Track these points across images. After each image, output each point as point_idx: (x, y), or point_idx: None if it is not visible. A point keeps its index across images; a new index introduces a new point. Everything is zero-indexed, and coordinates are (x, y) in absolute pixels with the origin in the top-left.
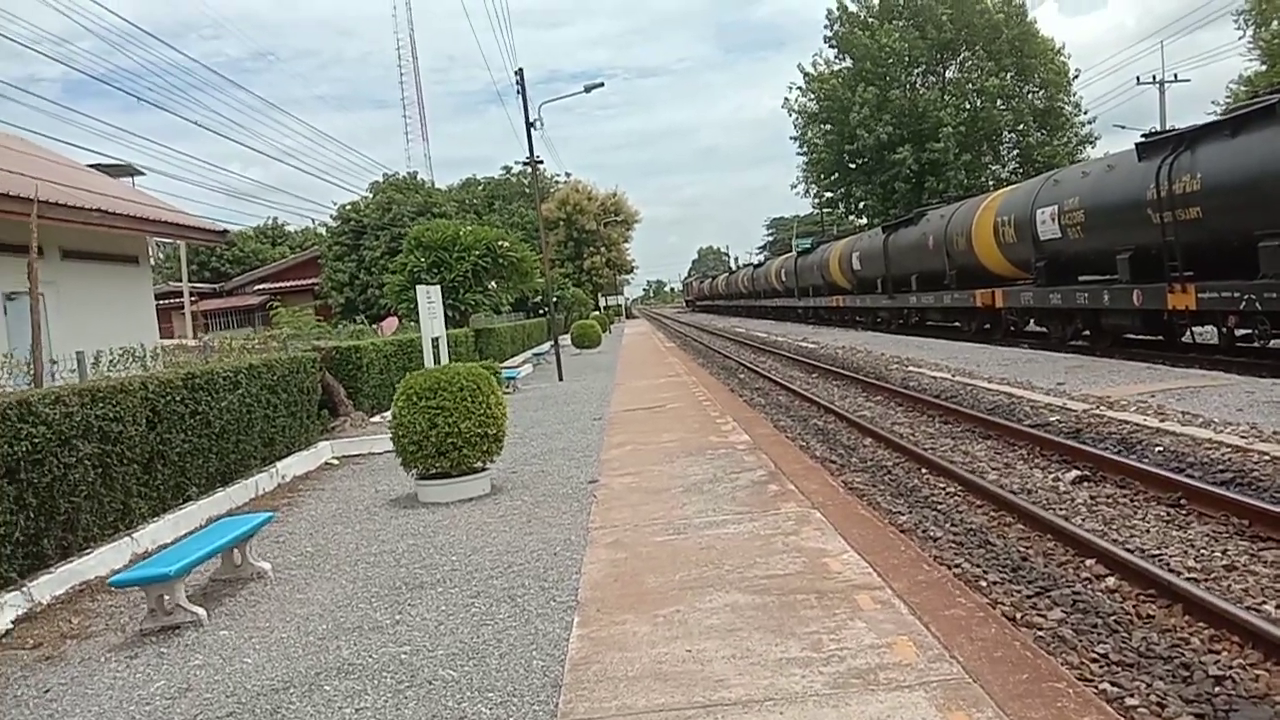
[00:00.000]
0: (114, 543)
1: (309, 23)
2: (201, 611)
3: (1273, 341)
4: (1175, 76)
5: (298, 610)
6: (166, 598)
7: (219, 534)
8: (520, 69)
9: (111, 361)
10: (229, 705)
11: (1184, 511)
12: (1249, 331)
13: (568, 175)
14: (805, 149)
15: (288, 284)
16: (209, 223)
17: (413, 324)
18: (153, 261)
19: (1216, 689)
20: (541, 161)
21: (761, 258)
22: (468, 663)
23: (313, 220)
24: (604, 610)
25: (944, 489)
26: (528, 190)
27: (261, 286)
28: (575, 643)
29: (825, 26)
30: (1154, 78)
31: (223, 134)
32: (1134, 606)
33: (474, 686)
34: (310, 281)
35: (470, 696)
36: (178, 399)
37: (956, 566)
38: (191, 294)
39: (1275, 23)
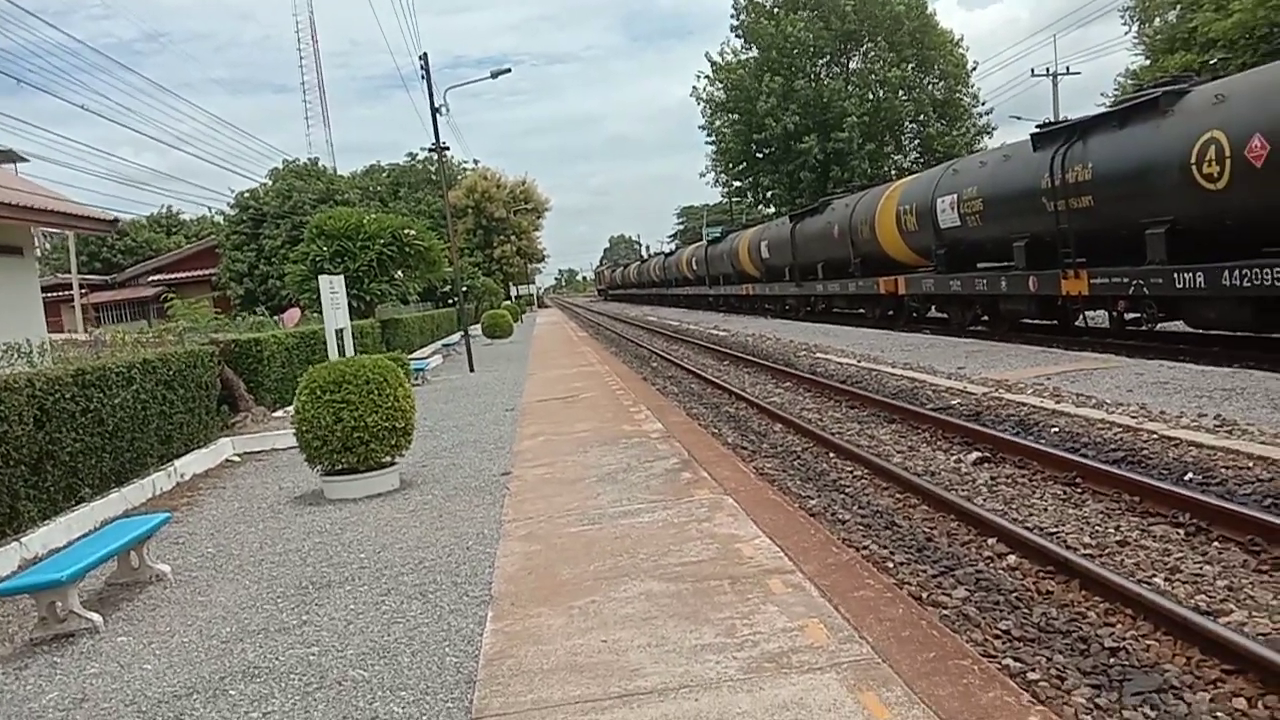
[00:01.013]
0: (1, 548)
1: (204, 4)
2: (97, 617)
3: (1160, 325)
4: (1067, 69)
5: (200, 613)
6: (59, 604)
7: (114, 536)
8: (425, 54)
9: None
10: (128, 715)
11: (1079, 490)
12: (1137, 315)
13: (475, 162)
14: (714, 138)
15: (184, 275)
16: (99, 211)
17: (316, 315)
18: (39, 253)
19: (1112, 660)
20: (448, 148)
21: (672, 246)
22: (378, 662)
23: (209, 209)
24: (518, 604)
25: (851, 472)
26: (434, 177)
27: (156, 278)
28: (489, 638)
29: (732, 16)
30: (1047, 70)
31: (112, 119)
32: (1034, 583)
33: (385, 686)
34: (208, 272)
35: (382, 696)
36: (68, 396)
37: (865, 548)
38: (82, 286)
39: (1158, 19)
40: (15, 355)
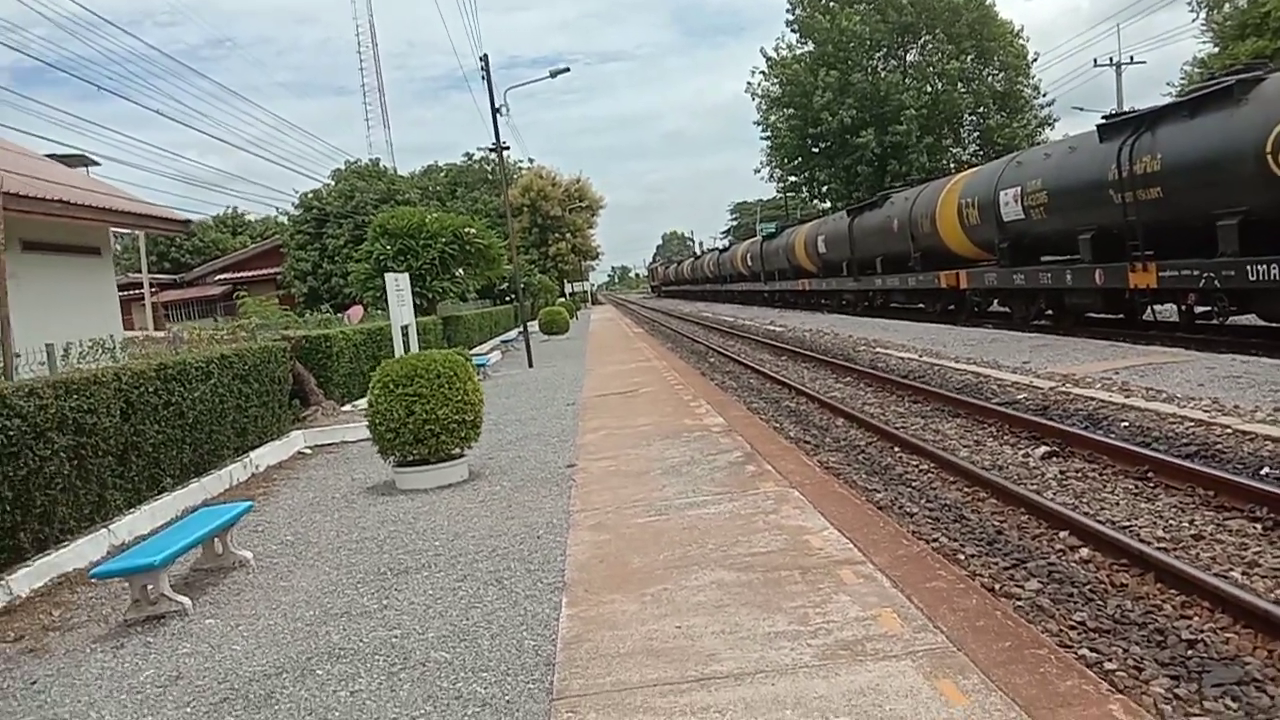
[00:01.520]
0: (91, 535)
1: (267, 9)
2: (187, 601)
3: (1231, 318)
4: (1131, 59)
5: (283, 598)
6: (150, 587)
7: (201, 523)
8: (485, 55)
9: (81, 354)
10: (221, 691)
11: (1151, 484)
12: (1208, 309)
13: (531, 161)
14: (768, 133)
15: (249, 274)
16: (171, 212)
17: (379, 312)
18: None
19: (1190, 652)
20: (508, 147)
21: (726, 242)
22: (459, 644)
23: (276, 209)
24: (591, 590)
25: (917, 466)
26: (490, 177)
27: (223, 276)
28: (565, 622)
29: (787, 10)
30: (1111, 60)
31: (181, 121)
32: (1108, 576)
33: (467, 667)
34: (273, 271)
35: (465, 676)
36: (151, 390)
37: (934, 541)
38: (151, 285)
39: (1227, 5)
40: (100, 351)
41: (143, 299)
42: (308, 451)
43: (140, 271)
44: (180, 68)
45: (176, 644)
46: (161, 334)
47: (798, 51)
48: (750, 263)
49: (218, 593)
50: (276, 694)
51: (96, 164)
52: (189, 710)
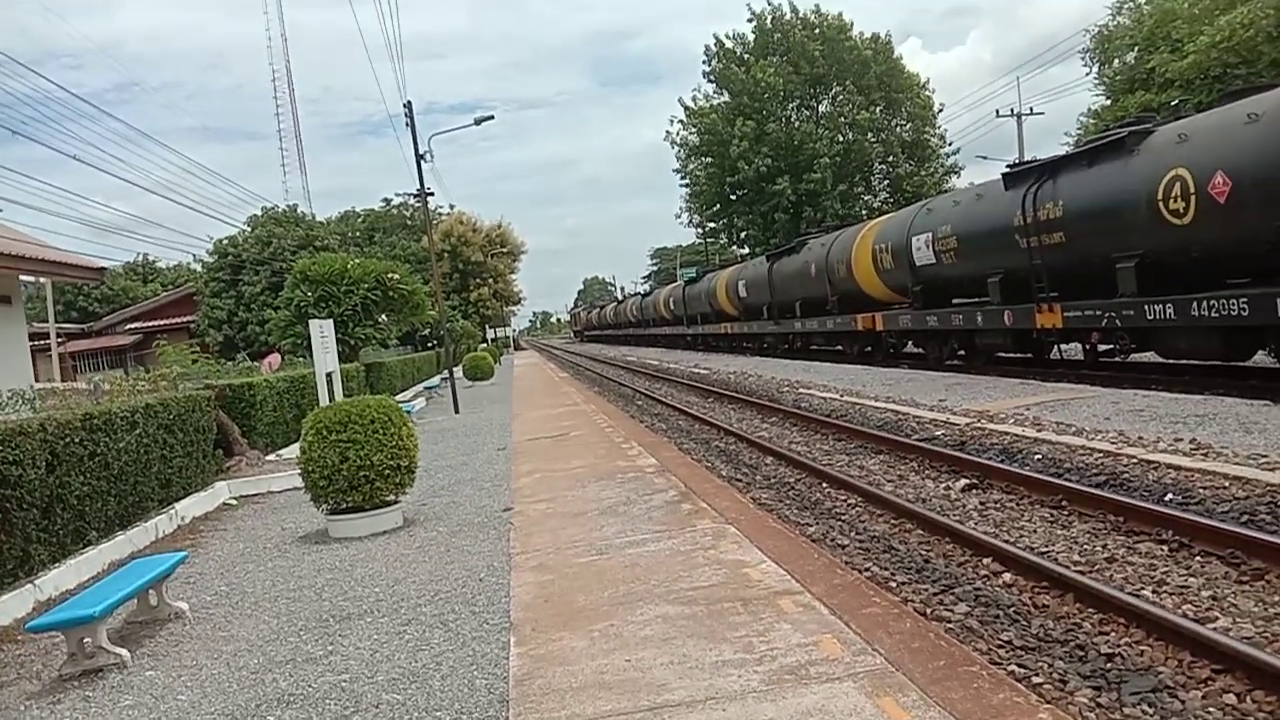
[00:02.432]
0: (16, 590)
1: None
2: (125, 653)
3: (1132, 355)
4: (1031, 110)
5: (224, 647)
6: (88, 640)
7: (136, 574)
8: (409, 102)
9: (0, 405)
10: None
11: (1066, 512)
12: (1110, 347)
13: (452, 207)
14: (687, 180)
15: (162, 322)
16: (83, 259)
17: (300, 360)
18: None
19: (1109, 665)
20: (433, 193)
21: (648, 287)
22: (410, 686)
23: (191, 255)
24: (539, 629)
25: (845, 501)
26: (410, 222)
27: (133, 326)
28: (515, 660)
29: (703, 62)
30: (1011, 110)
31: (90, 164)
32: (1030, 598)
33: (421, 707)
34: (186, 319)
35: (419, 717)
36: (76, 440)
37: (867, 570)
38: (58, 335)
39: (1117, 60)
40: (20, 402)
41: (49, 349)
42: (233, 502)
43: (46, 321)
44: (88, 108)
45: (117, 697)
46: (81, 384)
47: (714, 101)
48: (673, 307)
49: (155, 645)
50: None
51: None
52: None
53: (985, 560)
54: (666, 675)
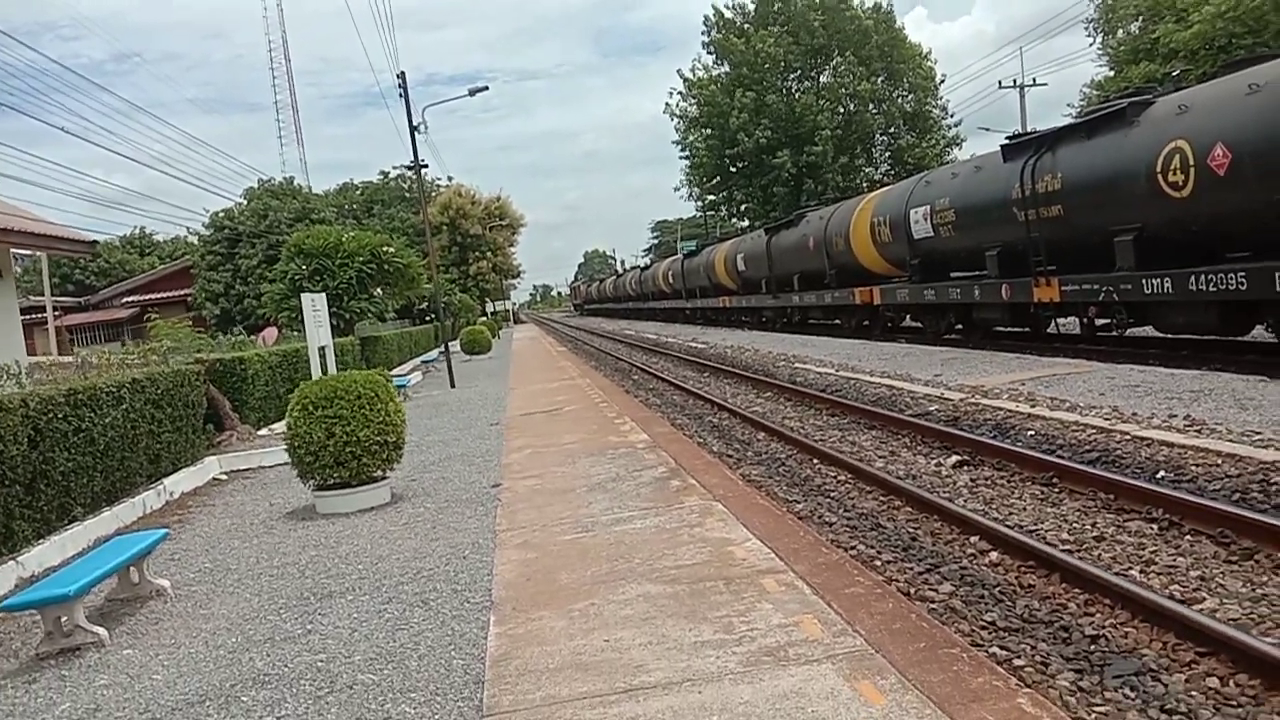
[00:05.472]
0: None
1: (175, 24)
2: (103, 631)
3: (1129, 330)
4: (1034, 81)
5: (203, 625)
6: (65, 619)
7: (115, 552)
8: (403, 73)
9: None
10: None
11: (1056, 489)
12: (1108, 321)
13: (450, 179)
14: (687, 153)
15: (158, 296)
16: (75, 232)
17: (295, 334)
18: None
19: (1092, 647)
20: (427, 165)
21: (648, 260)
22: (386, 666)
23: (186, 229)
24: (519, 608)
25: (835, 477)
26: (408, 195)
27: (130, 299)
28: (493, 640)
29: (703, 33)
30: (1014, 82)
31: (85, 138)
32: (1016, 578)
33: (396, 688)
34: (183, 293)
35: (393, 698)
36: (60, 416)
37: (852, 548)
38: (54, 308)
39: (1121, 30)
40: (5, 376)
41: (46, 323)
42: (223, 477)
43: (43, 294)
44: (84, 83)
45: (93, 676)
46: (69, 359)
47: (714, 73)
48: (672, 280)
49: (135, 622)
50: None
51: None
52: None
53: (973, 539)
54: (644, 656)
